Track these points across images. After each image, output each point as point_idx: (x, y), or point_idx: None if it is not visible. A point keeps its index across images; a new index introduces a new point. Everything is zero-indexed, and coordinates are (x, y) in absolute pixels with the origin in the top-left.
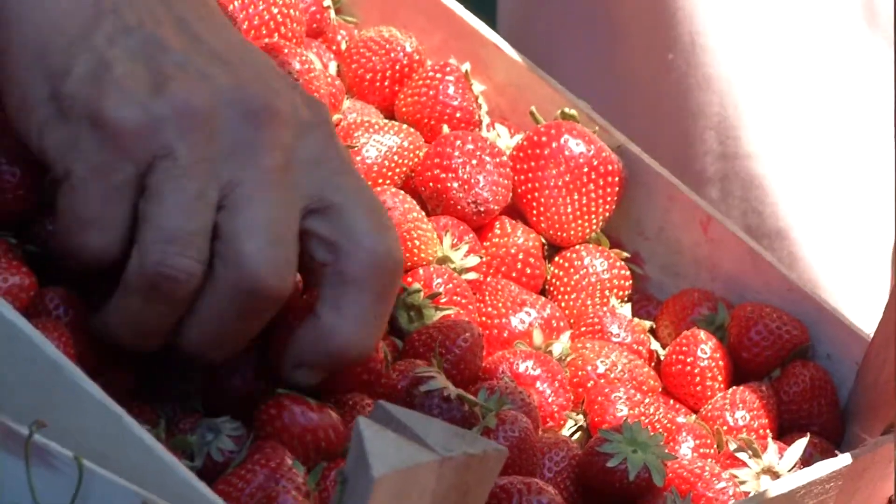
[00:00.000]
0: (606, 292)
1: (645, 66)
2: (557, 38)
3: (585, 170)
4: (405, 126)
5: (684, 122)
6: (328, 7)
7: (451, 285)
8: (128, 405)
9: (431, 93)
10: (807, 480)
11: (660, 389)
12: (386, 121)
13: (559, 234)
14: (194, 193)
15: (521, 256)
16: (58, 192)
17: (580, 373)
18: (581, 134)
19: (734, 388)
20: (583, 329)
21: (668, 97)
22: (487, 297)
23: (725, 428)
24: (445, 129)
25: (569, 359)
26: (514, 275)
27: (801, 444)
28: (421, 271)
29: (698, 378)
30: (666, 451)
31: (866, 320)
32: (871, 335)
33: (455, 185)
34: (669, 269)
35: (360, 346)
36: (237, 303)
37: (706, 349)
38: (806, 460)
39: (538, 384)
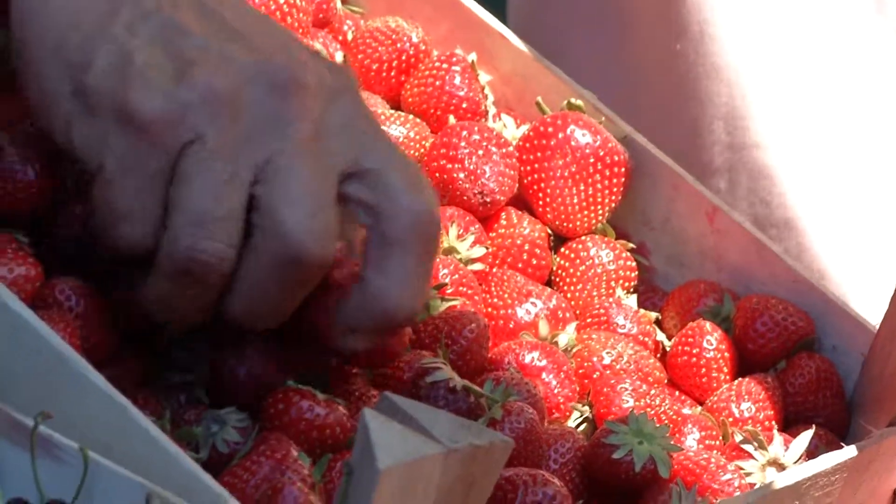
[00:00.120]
0: (612, 283)
1: (653, 56)
2: (566, 29)
3: (591, 160)
4: (411, 116)
5: (692, 112)
6: None
7: (456, 276)
8: (133, 396)
9: (438, 83)
10: (812, 472)
11: (665, 381)
12: (392, 111)
13: (565, 224)
14: (224, 176)
15: (526, 247)
16: (92, 186)
17: (586, 364)
18: (587, 124)
19: (740, 379)
20: (588, 320)
21: (676, 87)
22: (493, 288)
23: (731, 419)
24: (452, 119)
25: (574, 350)
26: (519, 265)
27: (806, 435)
28: None
29: (704, 369)
30: (672, 442)
31: (873, 311)
32: (878, 327)
33: (461, 175)
34: (675, 259)
35: (408, 307)
36: (280, 273)
37: (712, 340)
38: (811, 452)
39: (544, 375)
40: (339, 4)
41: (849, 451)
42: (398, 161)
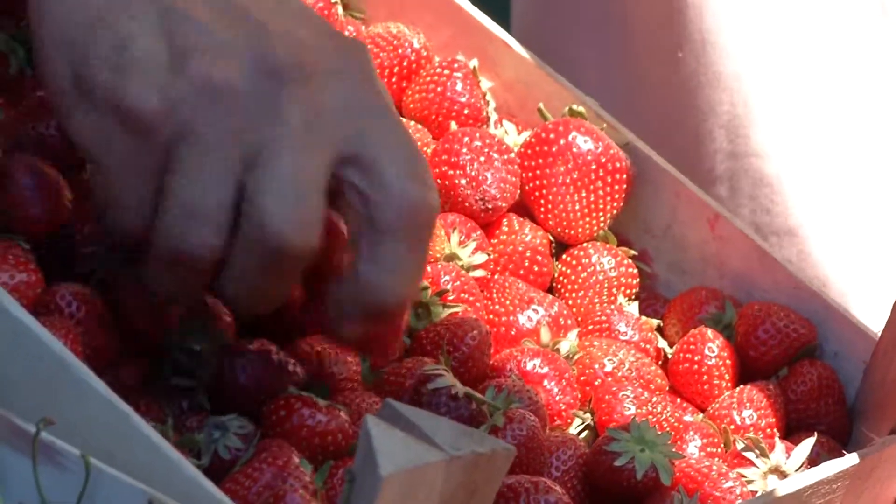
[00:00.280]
0: (614, 290)
1: (655, 64)
2: (569, 36)
3: (593, 167)
4: (413, 123)
5: (694, 119)
6: (336, 3)
7: (458, 283)
8: (135, 403)
9: (439, 89)
10: (814, 480)
11: (667, 388)
12: None
13: (567, 231)
14: (216, 168)
15: (528, 254)
16: (91, 175)
17: (588, 371)
18: (589, 131)
19: (741, 386)
20: (590, 327)
21: (678, 95)
22: (495, 295)
23: (733, 427)
24: (453, 125)
25: (576, 357)
26: (521, 272)
27: (808, 443)
28: (429, 268)
29: (706, 377)
30: (673, 449)
31: (875, 318)
32: (879, 334)
33: (463, 181)
34: (677, 266)
35: (398, 295)
36: (263, 260)
37: (714, 348)
38: (813, 460)
39: (546, 382)
40: (340, 10)
41: (851, 459)
42: (397, 146)
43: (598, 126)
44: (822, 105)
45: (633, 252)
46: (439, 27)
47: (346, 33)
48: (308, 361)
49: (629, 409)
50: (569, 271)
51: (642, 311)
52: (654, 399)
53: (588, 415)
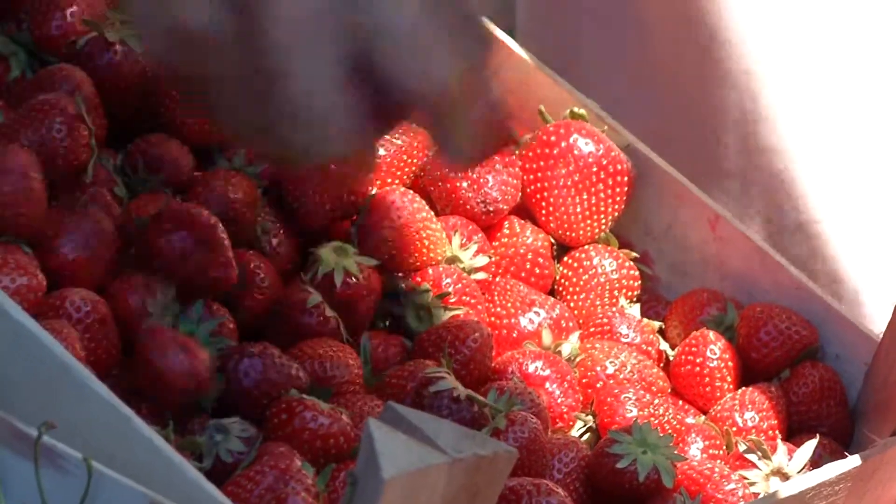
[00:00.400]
0: (615, 292)
1: (665, 62)
2: (576, 34)
3: (594, 169)
4: (413, 125)
5: (705, 116)
6: None
7: (460, 285)
8: (137, 406)
9: None
10: (816, 482)
11: (669, 390)
12: None
13: (568, 233)
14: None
15: (529, 256)
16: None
17: (589, 373)
18: (590, 133)
19: (743, 388)
20: (592, 329)
21: (688, 92)
22: (496, 297)
23: (735, 429)
24: None
25: (578, 359)
26: (522, 275)
27: (810, 445)
28: (430, 271)
29: (707, 379)
30: (675, 452)
31: (886, 316)
32: (881, 335)
33: (464, 184)
34: (678, 267)
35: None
36: None
37: (715, 350)
38: (815, 461)
39: (547, 385)
40: None
41: (853, 461)
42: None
43: (599, 128)
44: (833, 101)
45: (634, 254)
46: None
47: None
48: (310, 365)
49: (631, 411)
50: (570, 273)
51: (644, 314)
52: (656, 401)
53: (590, 417)
